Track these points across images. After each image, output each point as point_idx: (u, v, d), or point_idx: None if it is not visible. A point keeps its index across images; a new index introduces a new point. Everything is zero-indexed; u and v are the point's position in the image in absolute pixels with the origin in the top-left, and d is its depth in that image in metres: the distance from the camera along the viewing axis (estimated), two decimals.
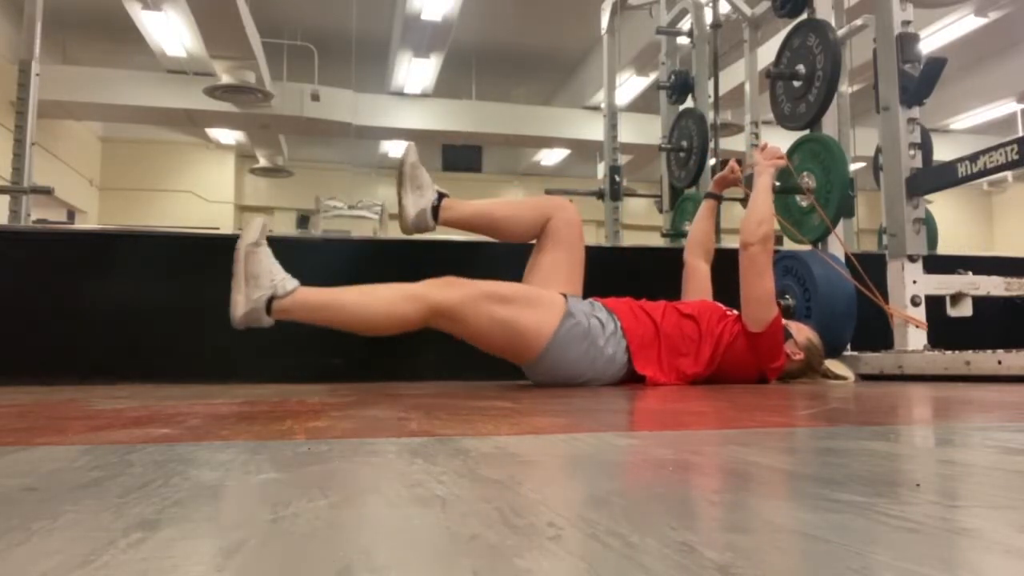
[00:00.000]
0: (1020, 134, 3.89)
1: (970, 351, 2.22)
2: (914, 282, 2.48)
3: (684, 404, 1.47)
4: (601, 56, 4.95)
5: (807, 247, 2.76)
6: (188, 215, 11.91)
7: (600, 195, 4.66)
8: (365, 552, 0.38)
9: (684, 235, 4.02)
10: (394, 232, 9.43)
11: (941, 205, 7.00)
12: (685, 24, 4.38)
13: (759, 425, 1.06)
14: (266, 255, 1.80)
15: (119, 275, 2.55)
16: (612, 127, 4.73)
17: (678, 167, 4.18)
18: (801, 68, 2.76)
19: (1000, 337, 2.63)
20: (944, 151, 4.88)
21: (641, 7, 4.81)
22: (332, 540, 0.40)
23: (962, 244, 9.73)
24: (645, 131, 7.83)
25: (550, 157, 13.11)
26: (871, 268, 2.53)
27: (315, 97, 9.42)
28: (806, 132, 2.79)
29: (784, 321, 2.22)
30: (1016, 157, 2.21)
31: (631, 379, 2.10)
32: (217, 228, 10.15)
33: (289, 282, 1.80)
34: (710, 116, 3.94)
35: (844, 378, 2.28)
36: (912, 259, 2.48)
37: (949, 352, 2.29)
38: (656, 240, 4.56)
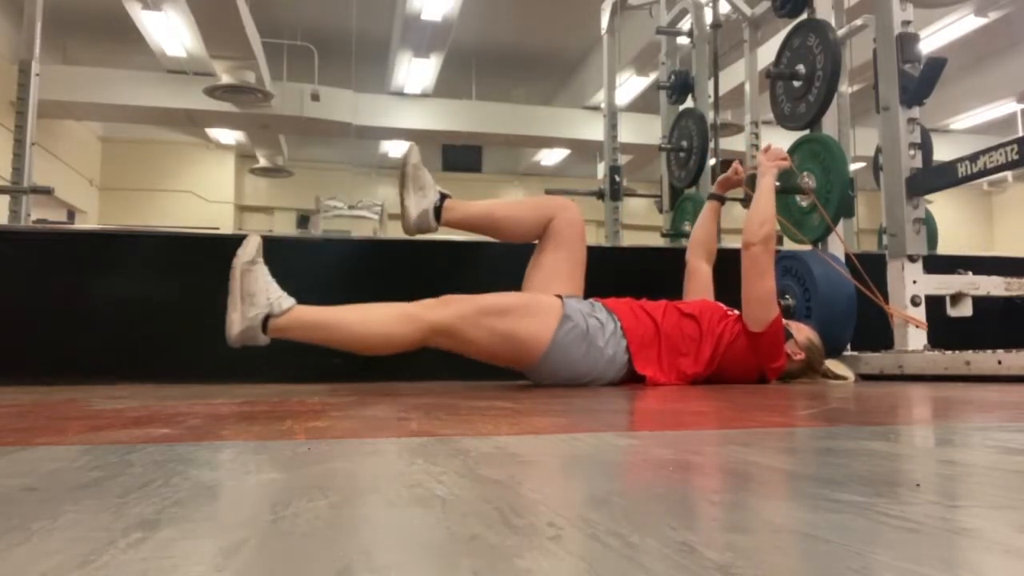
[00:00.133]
0: (1020, 134, 3.89)
1: (970, 351, 2.22)
2: (914, 282, 2.48)
3: (684, 404, 1.47)
4: (601, 56, 4.95)
5: (807, 247, 2.76)
6: (188, 215, 11.91)
7: (600, 195, 4.66)
8: (365, 552, 0.38)
9: (684, 235, 4.02)
10: (394, 232, 9.44)
11: (941, 205, 7.00)
12: (685, 24, 4.38)
13: (759, 425, 1.06)
14: (262, 273, 1.80)
15: (119, 275, 2.55)
16: (612, 127, 4.73)
17: (678, 167, 4.18)
18: (801, 68, 2.75)
19: (1000, 337, 2.62)
20: (944, 151, 4.88)
21: (641, 7, 4.81)
22: (332, 540, 0.40)
23: (962, 244, 9.72)
24: (645, 131, 7.84)
25: (550, 157, 13.11)
26: (871, 268, 2.53)
27: (315, 97, 9.42)
28: (806, 132, 2.78)
29: (784, 321, 2.22)
30: (1016, 157, 2.21)
31: (632, 379, 2.10)
32: (217, 228, 10.16)
33: (285, 300, 1.80)
34: (710, 116, 3.94)
35: (844, 378, 2.28)
36: (912, 259, 2.48)
37: (949, 352, 2.29)
38: (656, 240, 4.56)
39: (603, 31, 4.88)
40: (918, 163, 2.51)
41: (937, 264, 2.66)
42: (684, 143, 4.08)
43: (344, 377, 2.36)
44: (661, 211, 4.47)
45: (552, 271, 2.18)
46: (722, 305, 2.26)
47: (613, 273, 2.60)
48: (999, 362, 2.14)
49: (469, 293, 2.01)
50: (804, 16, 2.84)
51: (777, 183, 2.37)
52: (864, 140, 4.96)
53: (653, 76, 8.86)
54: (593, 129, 8.78)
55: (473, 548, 0.38)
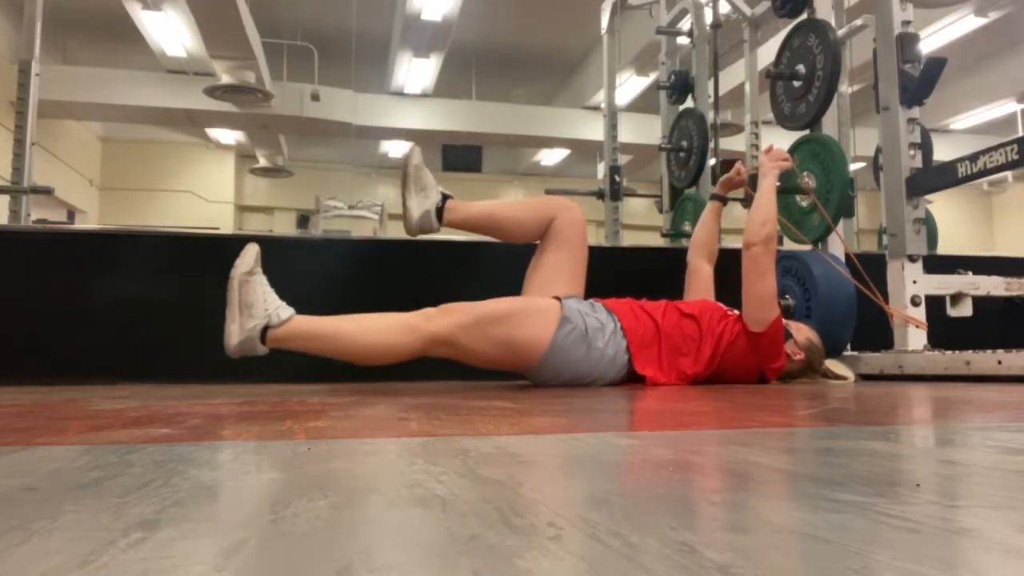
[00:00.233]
0: (1020, 134, 3.89)
1: (970, 351, 2.22)
2: (914, 282, 2.48)
3: (684, 404, 1.47)
4: (601, 56, 4.95)
5: (807, 247, 2.76)
6: (188, 215, 11.91)
7: (600, 195, 4.66)
8: (365, 552, 0.38)
9: (684, 235, 4.02)
10: (394, 232, 9.44)
11: (941, 205, 7.00)
12: (685, 24, 4.38)
13: (759, 425, 1.06)
14: (260, 284, 1.80)
15: (119, 275, 2.55)
16: (612, 127, 4.73)
17: (678, 167, 4.18)
18: (801, 68, 2.75)
19: (1000, 337, 2.63)
20: (944, 151, 4.88)
21: (641, 7, 4.81)
22: (332, 540, 0.40)
23: (962, 244, 9.73)
24: (645, 131, 7.84)
25: (550, 157, 13.11)
26: (871, 268, 2.53)
27: (315, 97, 9.42)
28: (806, 132, 2.78)
29: (784, 321, 2.22)
30: (1016, 157, 2.21)
31: (632, 379, 2.10)
32: (217, 228, 10.15)
33: (284, 311, 1.80)
34: (710, 116, 3.94)
35: (844, 378, 2.28)
36: (912, 259, 2.48)
37: (949, 352, 2.29)
38: (656, 240, 4.56)
39: (603, 31, 4.88)
40: (918, 163, 2.52)
41: (937, 264, 2.66)
42: (684, 143, 4.08)
43: (344, 377, 2.36)
44: (661, 211, 4.47)
45: (553, 272, 2.18)
46: (722, 305, 2.26)
47: (613, 273, 2.60)
48: (999, 362, 2.14)
49: (470, 293, 2.01)
50: (804, 16, 2.84)
51: (777, 183, 2.37)
52: (864, 140, 4.96)
53: (653, 76, 8.86)
54: (593, 129, 8.78)
55: (473, 548, 0.38)
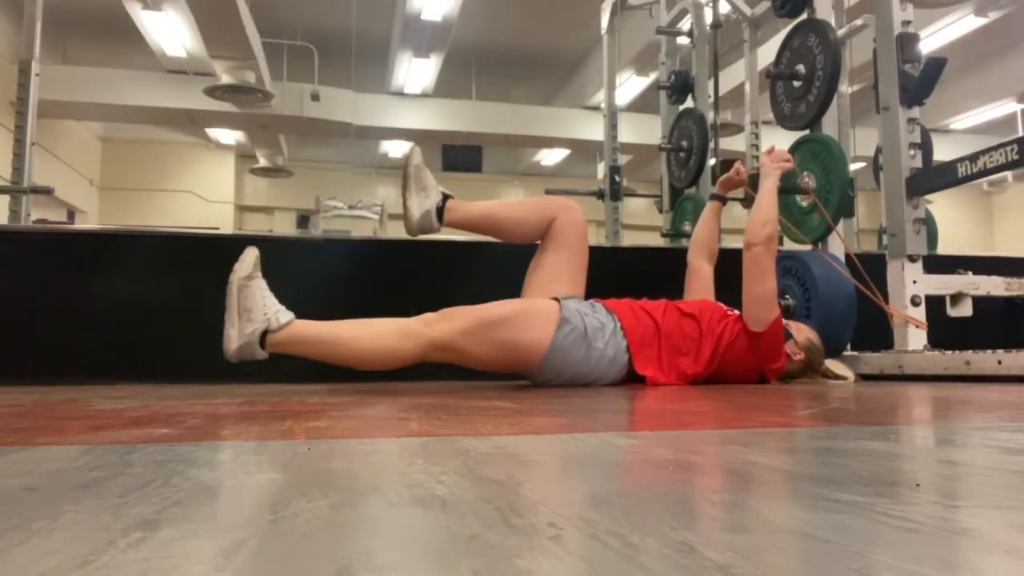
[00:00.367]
0: (1020, 134, 3.89)
1: (970, 351, 2.22)
2: (914, 282, 2.48)
3: (684, 404, 1.47)
4: (601, 56, 4.95)
5: (807, 247, 2.76)
6: (188, 215, 11.90)
7: (600, 195, 4.66)
8: (365, 552, 0.38)
9: (684, 235, 4.02)
10: (394, 232, 9.43)
11: (941, 205, 7.00)
12: (685, 24, 4.38)
13: (759, 425, 1.06)
14: (260, 288, 1.80)
15: (119, 275, 2.55)
16: (612, 127, 4.73)
17: (678, 167, 4.18)
18: (801, 68, 2.75)
19: (1000, 337, 2.63)
20: (944, 151, 4.88)
21: (641, 7, 4.81)
22: (332, 540, 0.40)
23: (962, 244, 9.73)
24: (645, 131, 7.83)
25: (550, 157, 13.11)
26: (871, 268, 2.53)
27: (315, 97, 9.42)
28: (806, 132, 2.79)
29: (784, 321, 2.22)
30: (1016, 157, 2.21)
31: (632, 379, 2.10)
32: (217, 228, 10.15)
33: (283, 315, 1.80)
34: (710, 116, 3.94)
35: (844, 378, 2.28)
36: (912, 259, 2.48)
37: (949, 352, 2.29)
38: (656, 240, 4.56)
39: (603, 31, 4.88)
40: (918, 163, 2.51)
41: (937, 264, 2.66)
42: (684, 143, 4.08)
43: (344, 377, 2.36)
44: (661, 211, 4.47)
45: (553, 272, 2.18)
46: (722, 305, 2.26)
47: (613, 273, 2.60)
48: (999, 362, 2.14)
49: (470, 293, 2.01)
50: (804, 16, 2.84)
51: (778, 184, 2.37)
52: (864, 140, 4.96)
53: (653, 76, 8.86)
54: (593, 129, 8.78)
55: (473, 548, 0.38)
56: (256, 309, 1.77)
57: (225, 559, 0.36)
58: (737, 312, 2.20)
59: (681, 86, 4.30)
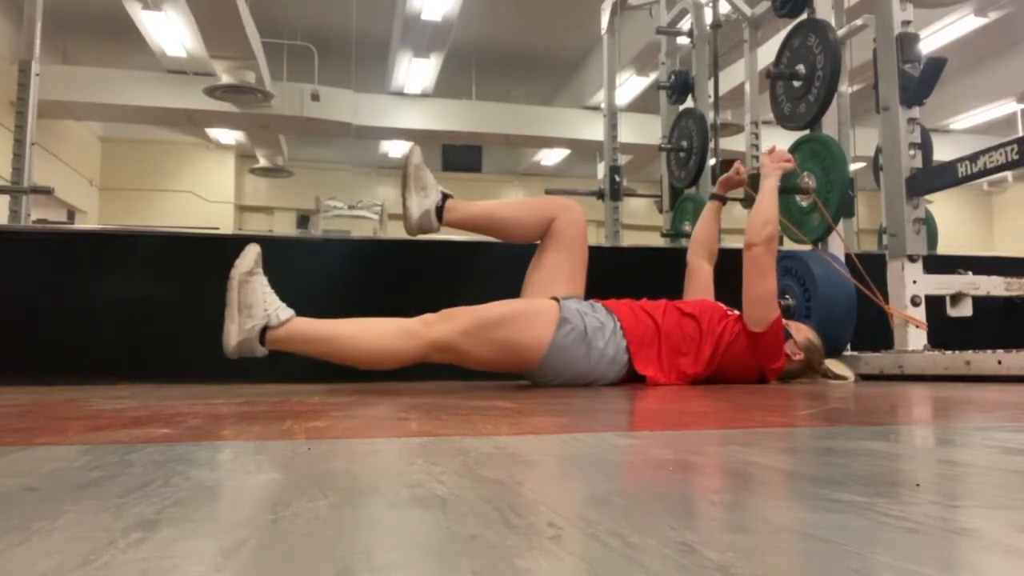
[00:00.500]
0: (1020, 134, 3.89)
1: (970, 351, 2.22)
2: (914, 282, 2.48)
3: (684, 404, 1.47)
4: (601, 56, 4.95)
5: (807, 247, 2.76)
6: (188, 215, 11.90)
7: (600, 195, 4.66)
8: (365, 552, 0.38)
9: (684, 235, 4.02)
10: (394, 232, 9.42)
11: (941, 205, 7.00)
12: (685, 24, 4.38)
13: (759, 425, 1.06)
14: (260, 284, 1.80)
15: (119, 275, 2.55)
16: (612, 127, 4.73)
17: (678, 167, 4.18)
18: (801, 68, 2.75)
19: (1000, 337, 2.62)
20: (944, 151, 4.88)
21: (641, 7, 4.81)
22: (332, 540, 0.40)
23: (962, 244, 9.73)
24: (645, 131, 7.83)
25: (550, 157, 13.11)
26: (871, 268, 2.53)
27: (315, 97, 9.42)
28: (806, 132, 2.79)
29: (784, 321, 2.22)
30: (1016, 157, 2.21)
31: (632, 379, 2.10)
32: (217, 228, 10.15)
33: (284, 311, 1.80)
34: (710, 116, 3.94)
35: (844, 378, 2.28)
36: (912, 259, 2.48)
37: (949, 352, 2.29)
38: (656, 240, 4.56)
39: (603, 31, 4.88)
40: (918, 163, 2.51)
41: (937, 264, 2.66)
42: (684, 143, 4.08)
43: (344, 377, 2.36)
44: (661, 211, 4.47)
45: (553, 272, 2.18)
46: (722, 305, 2.26)
47: (613, 273, 2.60)
48: (999, 362, 2.14)
49: (470, 293, 2.01)
50: (804, 16, 2.84)
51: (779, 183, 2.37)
52: (864, 140, 4.96)
53: (653, 76, 8.86)
54: (593, 129, 8.78)
55: (473, 548, 0.38)
56: (256, 305, 1.77)
57: (225, 559, 0.36)
58: (737, 312, 2.20)
59: (681, 86, 4.30)
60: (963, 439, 0.90)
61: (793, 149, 2.76)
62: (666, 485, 0.58)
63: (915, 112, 2.52)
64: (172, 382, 2.27)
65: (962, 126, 11.45)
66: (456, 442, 0.82)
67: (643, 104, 9.62)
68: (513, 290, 2.19)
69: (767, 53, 3.79)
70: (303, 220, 12.44)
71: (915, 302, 2.47)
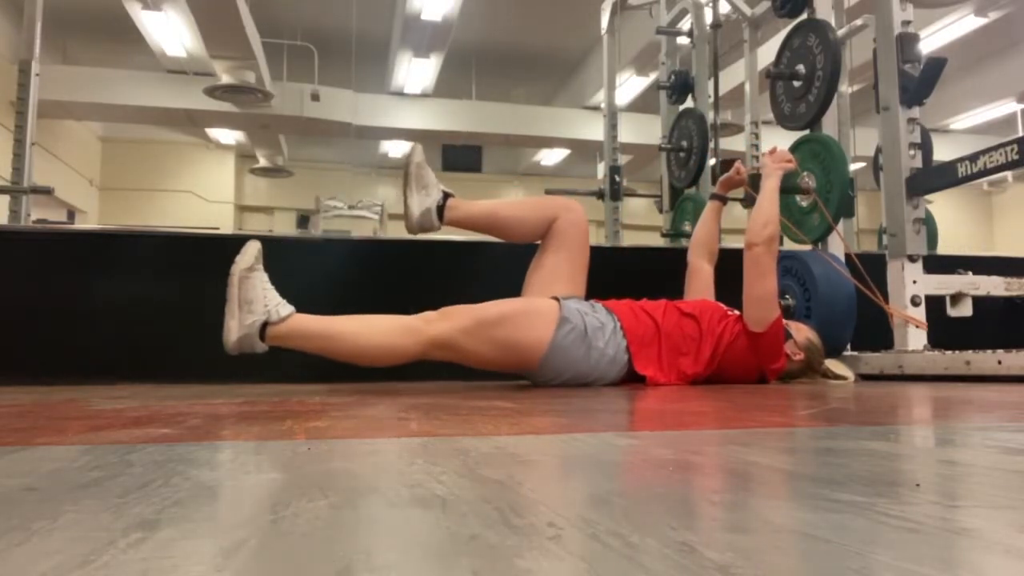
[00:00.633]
0: (1020, 134, 3.89)
1: (970, 351, 2.22)
2: (914, 282, 2.48)
3: (684, 404, 1.47)
4: (601, 56, 4.95)
5: (807, 247, 2.76)
6: (188, 215, 11.90)
7: (600, 195, 4.66)
8: (365, 552, 0.38)
9: (684, 235, 4.02)
10: (394, 232, 9.40)
11: (941, 205, 7.00)
12: (685, 24, 4.38)
13: (759, 425, 1.06)
14: (260, 280, 1.80)
15: (119, 275, 2.55)
16: (612, 127, 4.73)
17: (678, 167, 4.18)
18: (801, 68, 2.75)
19: (1000, 337, 2.62)
20: (944, 151, 4.88)
21: (641, 7, 4.81)
22: (332, 540, 0.40)
23: (962, 244, 9.73)
24: (645, 131, 7.83)
25: (550, 157, 13.11)
26: (871, 268, 2.53)
27: (315, 97, 9.42)
28: (806, 132, 2.79)
29: (784, 321, 2.22)
30: (1016, 157, 2.21)
31: (632, 379, 2.10)
32: (217, 228, 10.15)
33: (284, 308, 1.80)
34: (710, 116, 3.94)
35: (844, 378, 2.28)
36: (912, 259, 2.48)
37: (949, 352, 2.29)
38: (656, 240, 4.56)
39: (603, 31, 4.88)
40: (918, 163, 2.51)
41: (937, 264, 2.66)
42: (684, 143, 4.08)
43: (344, 377, 2.36)
44: (661, 211, 4.47)
45: (553, 272, 2.18)
46: (722, 305, 2.26)
47: (613, 273, 2.60)
48: (999, 362, 2.14)
49: (470, 293, 2.01)
50: (804, 16, 2.84)
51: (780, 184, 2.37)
52: (864, 140, 4.96)
53: (653, 76, 8.86)
54: (593, 129, 8.78)
55: (473, 548, 0.38)
56: (257, 301, 1.77)
57: (225, 559, 0.36)
58: (737, 312, 2.20)
59: (681, 86, 4.30)
60: (963, 439, 0.90)
61: (793, 149, 2.76)
62: (666, 485, 0.58)
63: (915, 112, 2.52)
64: (172, 382, 2.27)
65: (962, 126, 11.44)
66: (456, 442, 0.82)
67: (643, 104, 9.62)
68: (513, 290, 2.19)
69: (767, 53, 3.79)
70: (303, 220, 12.44)
71: (915, 302, 2.47)
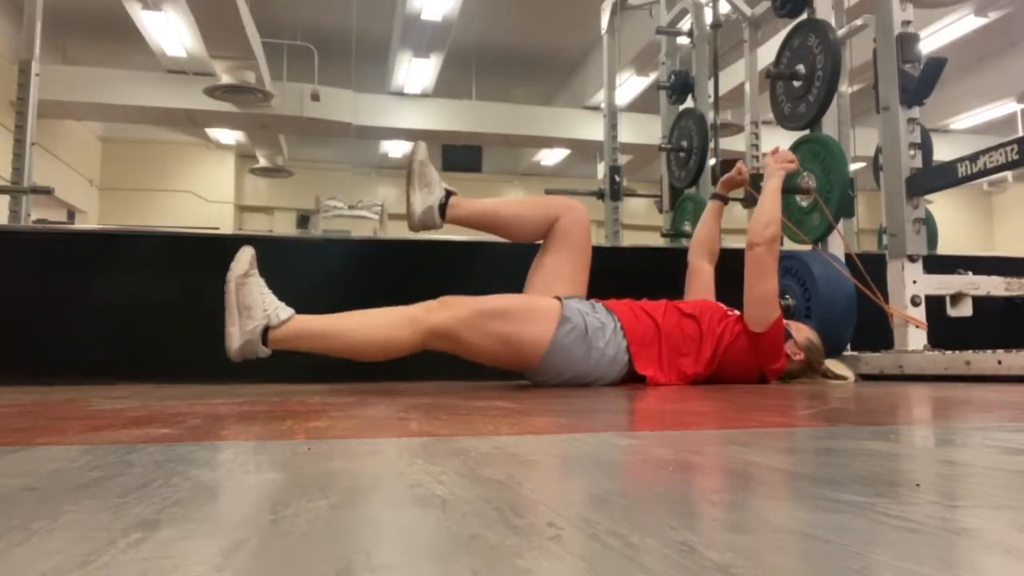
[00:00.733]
0: (1020, 134, 3.89)
1: (970, 351, 2.22)
2: (914, 282, 2.48)
3: (684, 404, 1.47)
4: (601, 56, 4.95)
5: (807, 247, 2.76)
6: (188, 215, 11.90)
7: (600, 195, 4.66)
8: (365, 552, 0.38)
9: (684, 235, 4.02)
10: (394, 232, 9.40)
11: (941, 205, 7.00)
12: (685, 24, 4.38)
13: (759, 425, 1.06)
14: (257, 285, 1.79)
15: (119, 275, 2.55)
16: (612, 127, 4.73)
17: (678, 167, 4.18)
18: (801, 68, 2.76)
19: (1000, 337, 2.62)
20: (944, 151, 4.88)
21: (641, 7, 4.81)
22: (332, 540, 0.40)
23: (962, 244, 9.73)
24: (645, 131, 7.84)
25: (550, 157, 13.11)
26: (871, 268, 2.53)
27: (315, 97, 9.42)
28: (806, 132, 2.79)
29: (784, 321, 2.22)
30: (1016, 157, 2.21)
31: (632, 379, 2.10)
32: (217, 228, 10.15)
33: (283, 311, 1.80)
34: (710, 116, 3.94)
35: (844, 378, 2.28)
36: (912, 259, 2.48)
37: (949, 352, 2.29)
38: (656, 240, 4.56)
39: (603, 31, 4.88)
40: (918, 163, 2.51)
41: (937, 264, 2.66)
42: (684, 143, 4.08)
43: (344, 377, 2.36)
44: (661, 211, 4.47)
45: (554, 272, 2.18)
46: (722, 305, 2.26)
47: (613, 273, 2.59)
48: (999, 362, 2.14)
49: (471, 293, 2.01)
50: (804, 16, 2.84)
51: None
52: (864, 140, 4.96)
53: (653, 76, 8.86)
54: (593, 129, 8.78)
55: (473, 548, 0.38)
56: (255, 306, 1.77)
57: (225, 559, 0.36)
58: (737, 312, 2.20)
59: (681, 86, 4.30)
60: (963, 439, 0.90)
61: (793, 149, 2.76)
62: (666, 485, 0.58)
63: (915, 112, 2.52)
64: (172, 382, 2.27)
65: (962, 126, 11.45)
66: (456, 442, 0.82)
67: (643, 104, 9.62)
68: (514, 290, 2.19)
69: (767, 53, 3.79)
70: (303, 220, 12.44)
71: (915, 302, 2.47)
